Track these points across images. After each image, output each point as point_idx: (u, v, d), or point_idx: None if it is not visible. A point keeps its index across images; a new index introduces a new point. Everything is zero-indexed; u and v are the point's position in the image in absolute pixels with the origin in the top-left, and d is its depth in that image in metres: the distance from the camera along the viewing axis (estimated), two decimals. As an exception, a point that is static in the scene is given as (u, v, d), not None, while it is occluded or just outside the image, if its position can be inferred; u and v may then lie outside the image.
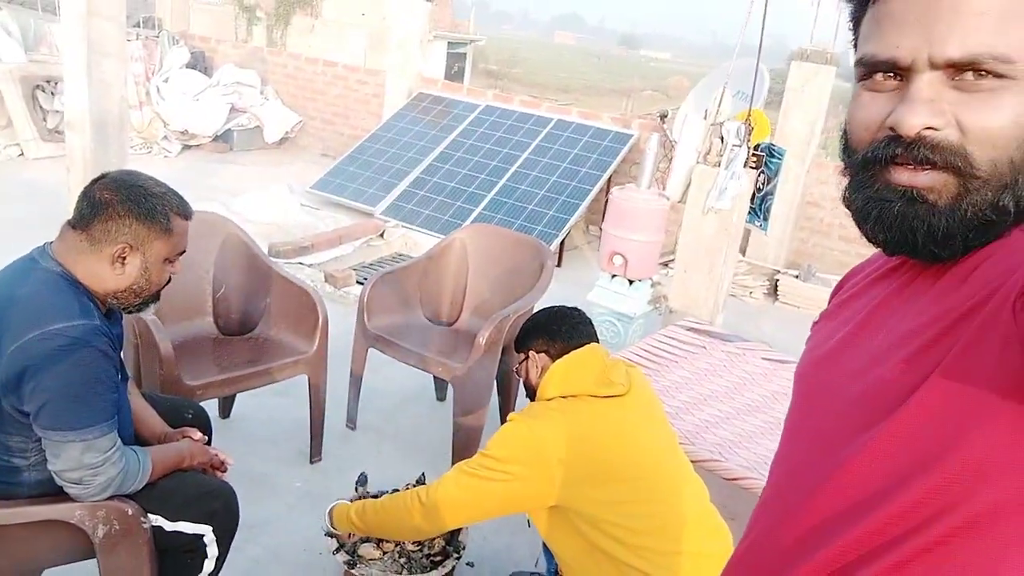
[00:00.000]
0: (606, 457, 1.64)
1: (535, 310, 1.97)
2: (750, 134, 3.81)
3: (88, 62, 4.44)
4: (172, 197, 1.66)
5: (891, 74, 0.67)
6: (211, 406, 3.01)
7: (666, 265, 5.37)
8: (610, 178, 5.95)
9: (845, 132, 0.72)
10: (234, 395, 3.04)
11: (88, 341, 1.48)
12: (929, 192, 0.65)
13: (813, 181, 6.00)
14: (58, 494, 1.54)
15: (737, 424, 2.75)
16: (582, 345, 1.79)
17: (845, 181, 0.73)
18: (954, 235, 0.65)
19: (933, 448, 0.62)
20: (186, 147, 7.72)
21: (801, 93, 5.76)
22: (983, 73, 0.62)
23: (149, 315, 1.73)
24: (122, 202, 1.58)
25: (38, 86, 6.75)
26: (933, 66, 0.63)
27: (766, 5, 3.56)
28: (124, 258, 1.59)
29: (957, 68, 0.63)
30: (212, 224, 2.93)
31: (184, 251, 1.71)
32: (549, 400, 1.73)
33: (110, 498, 1.56)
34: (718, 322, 4.06)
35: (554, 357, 1.78)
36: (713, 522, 1.80)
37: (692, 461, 2.19)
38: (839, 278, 0.92)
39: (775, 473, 0.81)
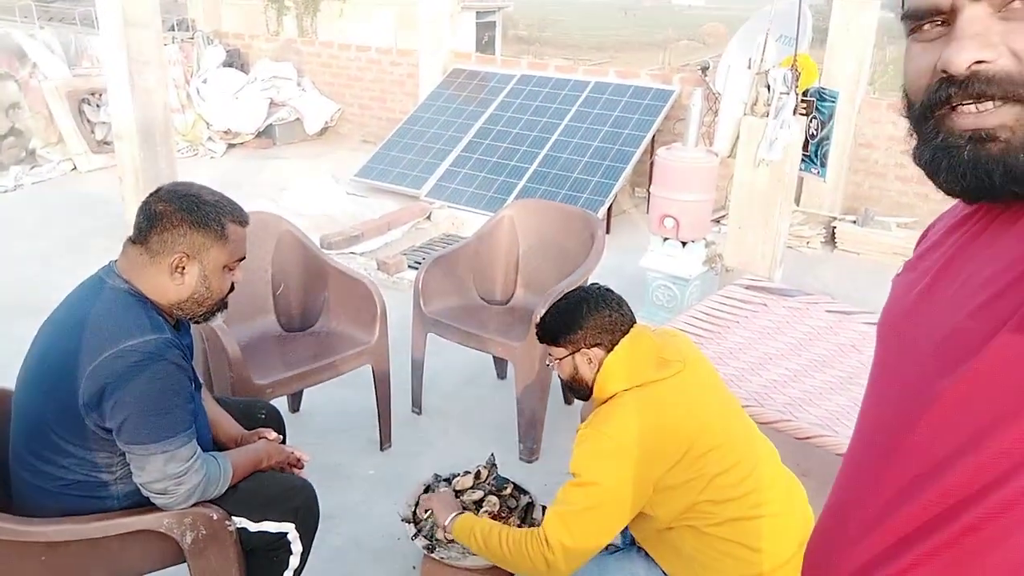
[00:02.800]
0: (688, 437, 1.60)
1: (574, 287, 1.87)
2: (797, 80, 3.69)
3: (129, 71, 4.53)
4: (226, 204, 1.68)
5: (936, 20, 0.65)
6: (281, 402, 3.09)
7: (718, 223, 5.26)
8: (654, 137, 5.84)
9: (904, 89, 0.71)
10: (302, 390, 3.11)
11: (162, 355, 1.52)
12: (1000, 130, 0.62)
13: (865, 121, 5.79)
14: (147, 505, 1.60)
15: (805, 381, 2.70)
16: (628, 329, 1.72)
17: (913, 142, 0.71)
18: None
19: (1007, 400, 0.61)
20: (231, 146, 7.84)
21: (846, 31, 5.53)
22: None
23: (217, 322, 1.76)
24: (176, 212, 1.61)
25: (84, 100, 6.92)
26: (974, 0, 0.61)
27: (804, -56, 3.42)
28: (183, 268, 1.62)
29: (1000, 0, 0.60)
30: (266, 223, 2.97)
31: (244, 257, 1.73)
32: (612, 397, 1.66)
33: (195, 505, 1.61)
34: (777, 277, 3.98)
35: (608, 349, 1.69)
36: (787, 482, 1.77)
37: (761, 423, 2.16)
38: (898, 220, 0.90)
39: (859, 430, 0.80)
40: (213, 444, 1.84)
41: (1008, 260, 0.65)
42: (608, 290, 1.80)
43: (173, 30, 8.57)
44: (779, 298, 3.30)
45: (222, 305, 1.73)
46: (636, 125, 5.90)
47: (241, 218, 1.70)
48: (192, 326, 1.80)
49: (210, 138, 7.73)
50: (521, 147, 6.10)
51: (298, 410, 3.14)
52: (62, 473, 1.58)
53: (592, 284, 1.86)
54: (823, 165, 4.25)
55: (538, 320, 1.83)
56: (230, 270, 1.70)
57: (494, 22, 16.25)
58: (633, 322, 1.75)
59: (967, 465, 0.63)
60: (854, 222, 5.43)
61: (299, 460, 1.92)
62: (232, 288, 1.73)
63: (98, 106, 6.90)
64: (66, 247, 4.86)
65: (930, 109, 0.66)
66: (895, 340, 0.78)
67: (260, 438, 1.90)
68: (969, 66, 0.62)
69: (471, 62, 7.34)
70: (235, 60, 8.52)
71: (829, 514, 0.82)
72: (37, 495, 1.60)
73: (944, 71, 0.63)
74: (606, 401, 1.68)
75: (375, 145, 6.94)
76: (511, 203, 3.44)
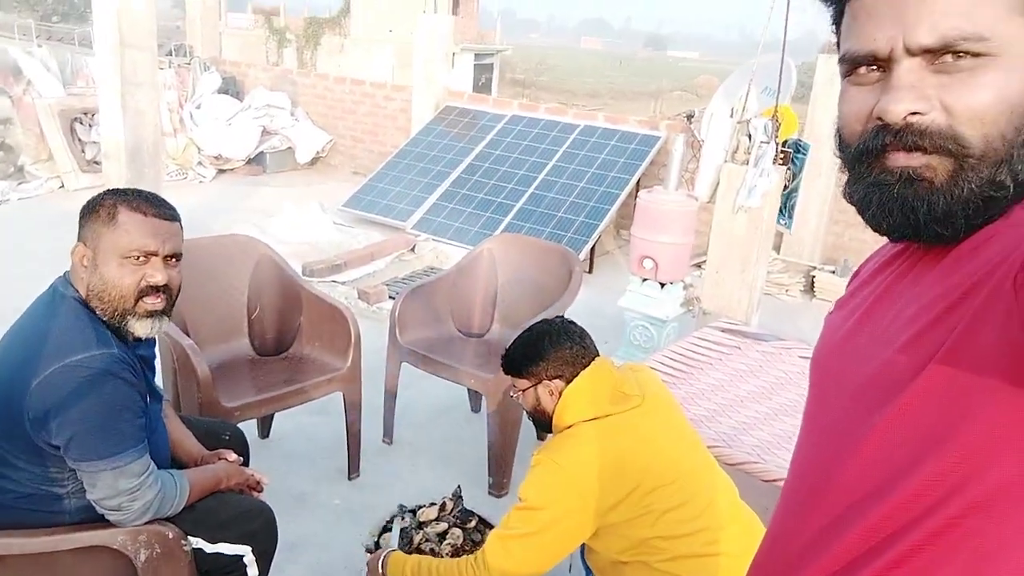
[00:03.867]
0: (640, 471, 1.60)
1: (528, 326, 1.84)
2: (778, 130, 3.77)
3: (122, 92, 4.57)
4: (132, 194, 1.61)
5: (873, 66, 0.68)
6: (250, 427, 3.06)
7: (698, 267, 5.32)
8: (639, 181, 5.92)
9: (838, 129, 0.73)
10: (272, 415, 3.09)
11: (107, 370, 1.50)
12: (926, 170, 0.65)
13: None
14: (101, 520, 1.58)
15: (775, 425, 2.71)
16: (590, 362, 1.74)
17: (844, 177, 0.74)
18: (954, 212, 0.65)
19: (939, 429, 0.62)
20: (220, 171, 7.87)
21: (830, 86, 5.67)
22: (960, 54, 0.62)
23: (140, 332, 1.60)
24: (85, 204, 1.61)
25: (76, 119, 6.95)
26: (910, 53, 0.64)
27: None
28: (83, 258, 1.58)
29: (934, 53, 0.63)
30: (244, 246, 2.98)
31: (155, 252, 1.58)
32: (569, 427, 1.67)
33: (150, 522, 1.59)
34: (753, 322, 4.01)
35: (568, 380, 1.71)
36: (747, 521, 1.77)
37: (729, 464, 2.16)
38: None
39: (793, 466, 0.82)
40: (172, 462, 1.83)
41: (931, 297, 0.67)
42: (571, 323, 1.82)
43: (171, 55, 8.67)
44: (753, 342, 3.32)
45: (145, 307, 1.58)
46: (622, 168, 5.98)
47: (143, 207, 1.59)
48: (157, 341, 1.79)
49: (200, 163, 7.77)
50: (508, 184, 6.16)
51: (267, 436, 3.11)
52: (13, 486, 1.55)
53: (556, 317, 1.88)
54: (790, 217, 4.30)
55: (504, 352, 1.85)
56: (135, 261, 1.57)
57: (492, 64, 16.51)
58: (595, 355, 1.77)
59: (900, 494, 0.64)
60: (833, 272, 5.50)
61: (258, 483, 1.90)
62: (155, 288, 1.59)
63: (90, 126, 6.93)
64: (48, 263, 4.83)
65: (864, 153, 0.69)
66: (824, 376, 0.80)
67: (220, 459, 1.88)
68: (904, 117, 0.65)
69: (464, 100, 7.44)
70: (230, 87, 8.61)
71: (766, 547, 0.83)
72: None
73: (880, 118, 0.67)
74: (563, 431, 1.69)
75: (365, 177, 7.00)
76: (492, 237, 3.47)
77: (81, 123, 6.97)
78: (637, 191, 5.48)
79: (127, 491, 1.53)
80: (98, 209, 1.58)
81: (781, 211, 3.93)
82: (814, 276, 5.52)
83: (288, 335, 2.96)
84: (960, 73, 0.63)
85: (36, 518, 1.57)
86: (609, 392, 1.68)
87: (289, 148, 8.25)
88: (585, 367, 1.72)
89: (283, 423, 3.12)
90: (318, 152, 8.43)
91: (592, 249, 5.57)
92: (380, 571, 1.88)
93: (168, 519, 1.64)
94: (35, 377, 1.47)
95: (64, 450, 1.50)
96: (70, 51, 7.64)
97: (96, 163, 6.54)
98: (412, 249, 5.68)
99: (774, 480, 2.39)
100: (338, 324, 2.79)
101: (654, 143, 6.12)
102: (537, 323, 1.84)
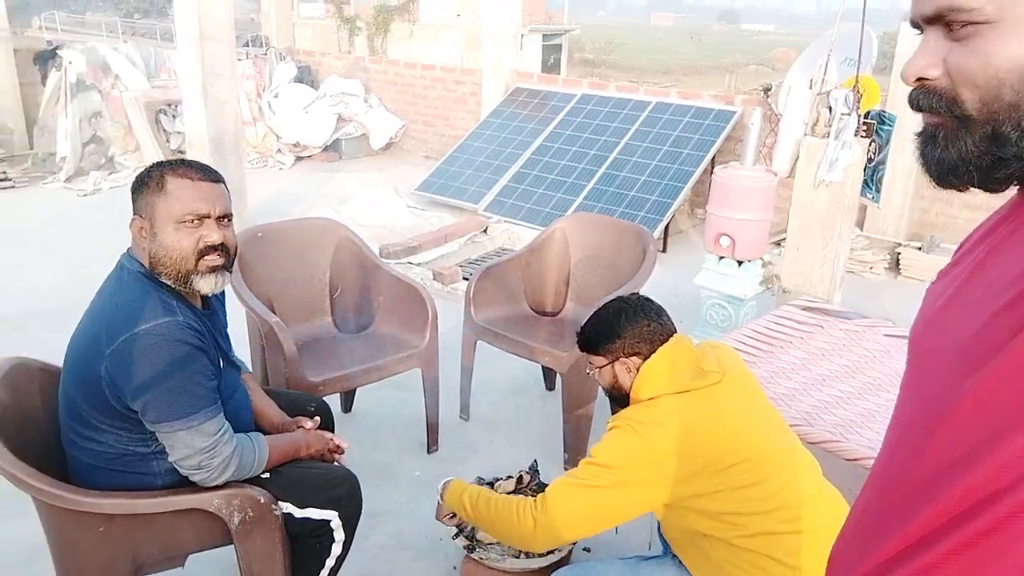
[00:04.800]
0: (715, 448, 1.59)
1: (604, 303, 1.84)
2: (859, 101, 3.64)
3: (203, 83, 4.75)
4: (176, 162, 1.69)
5: (919, 32, 0.75)
6: (333, 401, 3.16)
7: (777, 244, 5.19)
8: (714, 158, 5.81)
9: None
10: (354, 390, 3.18)
11: (174, 336, 1.58)
12: (937, 128, 0.72)
13: (934, 146, 5.64)
14: (189, 481, 1.67)
15: (859, 404, 2.64)
16: (668, 338, 1.73)
17: None
18: (959, 169, 0.71)
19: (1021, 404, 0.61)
20: (299, 158, 8.09)
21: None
22: (961, 23, 0.68)
23: (205, 288, 1.69)
24: (135, 179, 1.70)
25: (161, 110, 7.26)
26: (926, 21, 0.71)
27: (871, -36, 3.39)
28: (141, 230, 1.67)
29: (944, 23, 0.69)
30: (325, 229, 3.07)
31: (208, 214, 1.66)
32: (647, 400, 1.66)
33: (240, 487, 1.67)
34: (835, 300, 3.90)
35: (646, 357, 1.70)
36: (830, 499, 1.74)
37: (810, 443, 2.12)
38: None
39: (887, 436, 0.81)
40: (254, 428, 1.90)
41: None
42: (648, 300, 1.81)
43: (248, 46, 8.93)
44: (836, 320, 3.24)
45: (207, 265, 1.66)
46: (697, 145, 5.88)
47: (189, 173, 1.66)
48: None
49: (279, 150, 7.99)
50: (580, 165, 6.13)
51: (350, 410, 3.21)
52: (104, 448, 1.66)
53: (632, 294, 1.87)
54: (878, 190, 4.15)
55: (579, 330, 1.86)
56: (190, 225, 1.65)
57: (560, 44, 16.38)
58: (672, 332, 1.76)
59: (984, 467, 0.63)
60: (919, 248, 5.29)
61: (339, 447, 1.97)
62: (213, 247, 1.66)
63: (174, 116, 7.22)
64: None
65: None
66: (920, 345, 0.78)
67: (299, 427, 1.95)
68: (914, 81, 0.72)
69: (533, 81, 7.43)
70: (305, 76, 8.81)
71: (855, 515, 0.82)
72: (88, 471, 1.69)
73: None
74: (640, 402, 1.70)
75: (437, 161, 7.08)
76: (565, 216, 3.47)
77: (165, 114, 7.27)
78: (712, 168, 5.38)
79: (204, 449, 1.61)
80: (148, 181, 1.67)
81: (867, 184, 3.80)
82: (899, 253, 5.31)
83: (368, 314, 3.04)
84: (962, 39, 0.68)
85: (130, 479, 1.67)
86: (688, 368, 1.67)
87: (363, 134, 8.41)
88: (663, 344, 1.71)
89: (365, 398, 3.21)
90: (391, 137, 8.56)
91: (666, 228, 5.50)
92: (440, 496, 1.93)
93: (258, 485, 1.72)
94: (109, 345, 1.56)
95: (141, 414, 1.59)
96: (153, 46, 7.96)
97: (180, 152, 6.83)
98: (484, 231, 5.72)
99: (857, 459, 2.33)
100: (415, 303, 2.85)
101: (729, 118, 5.98)
102: (613, 300, 1.83)
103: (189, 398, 1.60)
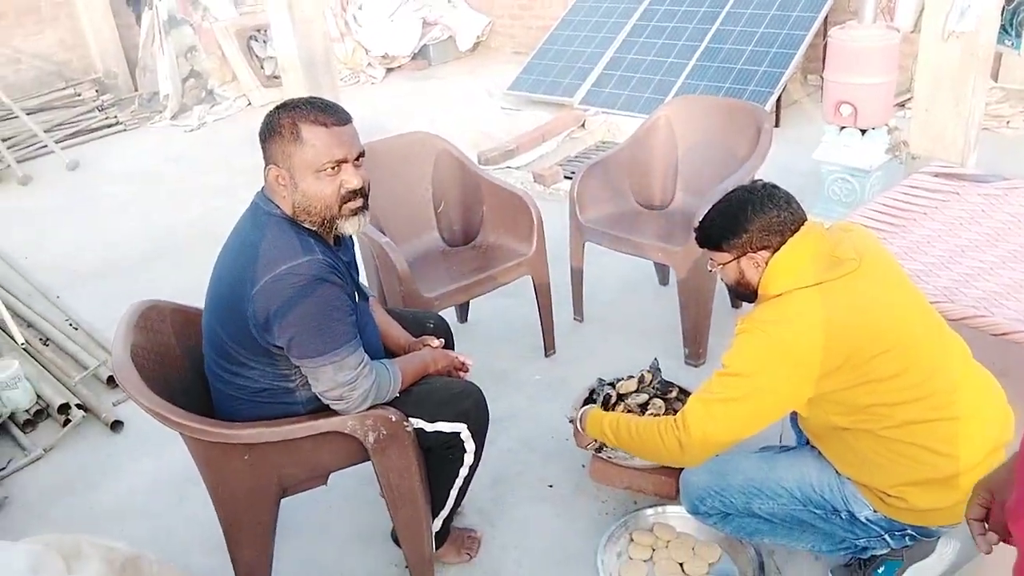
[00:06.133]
0: (855, 341, 1.50)
1: (725, 194, 1.72)
2: (996, -69, 3.20)
3: (288, 3, 4.71)
4: (305, 107, 1.65)
5: None
6: (449, 314, 3.22)
7: (902, 106, 4.77)
8: (827, 18, 5.32)
9: None
10: (468, 301, 3.22)
11: (316, 275, 1.61)
12: None
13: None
14: (329, 409, 1.74)
15: (1003, 274, 2.44)
16: (798, 228, 1.60)
17: None
18: None
19: None
20: (389, 70, 8.03)
21: None
22: None
23: (350, 231, 1.74)
24: (264, 125, 1.68)
25: (251, 37, 7.31)
26: None
27: None
28: (279, 178, 1.66)
29: None
30: (423, 143, 3.04)
31: (345, 159, 1.65)
32: (779, 296, 1.57)
33: (373, 408, 1.73)
34: (971, 163, 3.57)
35: (775, 250, 1.59)
36: (981, 382, 1.63)
37: (952, 320, 1.98)
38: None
39: None
40: (383, 352, 1.96)
41: None
42: (774, 187, 1.69)
43: (327, -40, 8.78)
44: (973, 185, 2.97)
45: (349, 209, 1.68)
46: (806, 6, 5.40)
47: (322, 118, 1.63)
48: (358, 241, 1.89)
49: (369, 64, 7.95)
50: (679, 42, 5.78)
51: (466, 320, 3.26)
52: (249, 383, 1.74)
53: (756, 181, 1.75)
54: (1018, 36, 3.69)
55: (697, 225, 1.76)
56: (330, 172, 1.64)
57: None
58: (803, 220, 1.64)
59: None
60: (1066, 94, 4.74)
61: (464, 364, 2.00)
62: (354, 192, 1.67)
63: (264, 42, 7.27)
64: (243, 179, 5.25)
65: None
66: None
67: (425, 346, 1.99)
68: None
69: (622, -44, 6.97)
70: (387, -17, 8.61)
71: None
72: (232, 403, 1.79)
73: None
74: (770, 300, 1.61)
75: (527, 56, 6.84)
76: (667, 102, 3.29)
77: (256, 40, 7.32)
78: (825, 29, 4.94)
79: (346, 383, 1.67)
80: (280, 130, 1.65)
81: (1005, 30, 3.39)
82: (1042, 102, 4.78)
83: (473, 225, 3.03)
84: None
85: (274, 409, 1.77)
86: (822, 258, 1.56)
87: (450, 37, 8.22)
88: (793, 234, 1.60)
89: (479, 308, 3.25)
90: (478, 37, 8.33)
91: (778, 101, 5.15)
92: (580, 426, 1.95)
93: (389, 404, 1.78)
94: (253, 286, 1.61)
95: (287, 349, 1.65)
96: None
97: (275, 77, 6.89)
98: (582, 125, 5.55)
99: (1003, 334, 2.17)
100: (520, 210, 2.81)
101: (841, -29, 5.44)
102: (735, 190, 1.71)
103: (332, 334, 1.64)
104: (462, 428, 1.83)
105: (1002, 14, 3.32)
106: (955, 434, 1.52)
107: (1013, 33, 3.42)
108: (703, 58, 5.54)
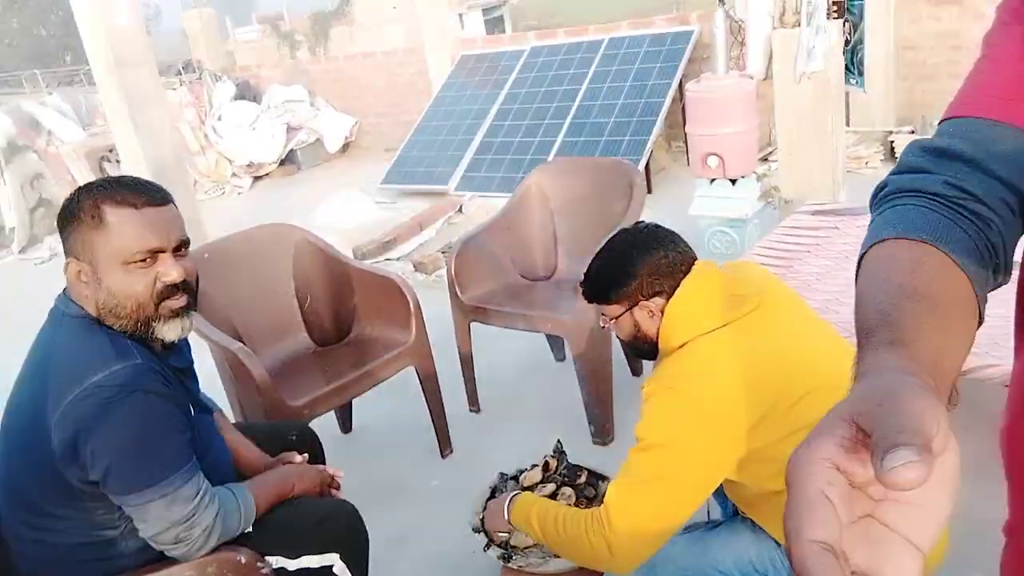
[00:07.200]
0: (778, 382, 1.29)
1: (607, 241, 1.54)
2: (827, -21, 3.33)
3: (130, 113, 4.41)
4: (110, 186, 1.37)
5: None
6: (330, 424, 2.89)
7: (766, 160, 4.89)
8: (681, 83, 5.49)
9: None
10: (350, 407, 2.90)
11: (134, 384, 1.29)
12: None
13: (903, 22, 5.32)
14: (163, 557, 1.38)
15: (901, 302, 2.36)
16: (690, 268, 1.43)
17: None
18: None
19: None
20: (256, 179, 7.75)
21: (870, -73, 5.10)
22: None
23: (170, 336, 1.40)
24: (60, 211, 1.38)
25: (103, 157, 6.92)
26: None
27: None
28: (80, 275, 1.35)
29: None
30: (279, 236, 2.77)
31: (161, 248, 1.37)
32: (681, 347, 1.37)
33: (219, 549, 1.38)
34: (842, 199, 3.62)
35: (669, 294, 1.41)
36: None
37: (863, 355, 1.84)
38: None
39: None
40: (236, 477, 1.62)
41: None
42: (657, 226, 1.51)
43: (180, 74, 8.56)
44: (851, 218, 2.95)
45: (169, 309, 1.38)
46: (660, 74, 5.56)
47: (131, 198, 1.34)
48: (187, 347, 1.57)
49: (234, 174, 7.66)
50: (544, 121, 5.81)
51: (350, 430, 2.93)
52: (58, 538, 1.37)
53: (639, 223, 1.57)
54: (860, 74, 3.85)
55: (583, 278, 1.56)
56: (141, 264, 1.35)
57: (502, 16, 16.00)
58: (693, 259, 1.46)
59: None
60: (912, 132, 5.00)
61: (333, 478, 1.68)
62: (173, 288, 1.38)
63: (118, 162, 6.87)
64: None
65: None
66: None
67: (286, 463, 1.67)
68: None
69: (478, 45, 7.10)
70: (246, 92, 8.45)
71: None
72: (41, 560, 1.40)
73: None
74: (673, 352, 1.40)
75: (398, 151, 6.75)
76: (536, 168, 3.16)
77: (109, 160, 6.93)
78: (681, 94, 5.06)
79: (181, 520, 1.33)
80: (79, 213, 1.35)
81: (849, 69, 3.49)
82: (892, 141, 5.02)
83: (346, 319, 2.74)
84: None
85: (93, 568, 1.39)
86: (721, 298, 1.37)
87: (317, 139, 8.07)
88: (685, 275, 1.41)
89: (364, 414, 2.93)
90: (346, 137, 8.22)
91: (647, 168, 5.19)
92: (505, 514, 1.63)
93: (238, 540, 1.44)
94: (55, 410, 1.27)
95: (103, 485, 1.30)
96: (81, 92, 7.60)
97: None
98: (460, 210, 5.42)
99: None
100: (394, 296, 2.55)
101: (688, 38, 5.66)
102: (617, 235, 1.52)
103: (159, 460, 1.32)
104: (334, 560, 1.49)
105: (843, 53, 3.42)
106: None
107: (856, 72, 3.54)
108: (569, 133, 5.58)
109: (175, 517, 1.32)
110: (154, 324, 1.39)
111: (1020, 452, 0.70)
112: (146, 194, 1.38)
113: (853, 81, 3.59)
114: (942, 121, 0.69)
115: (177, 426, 1.37)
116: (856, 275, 0.63)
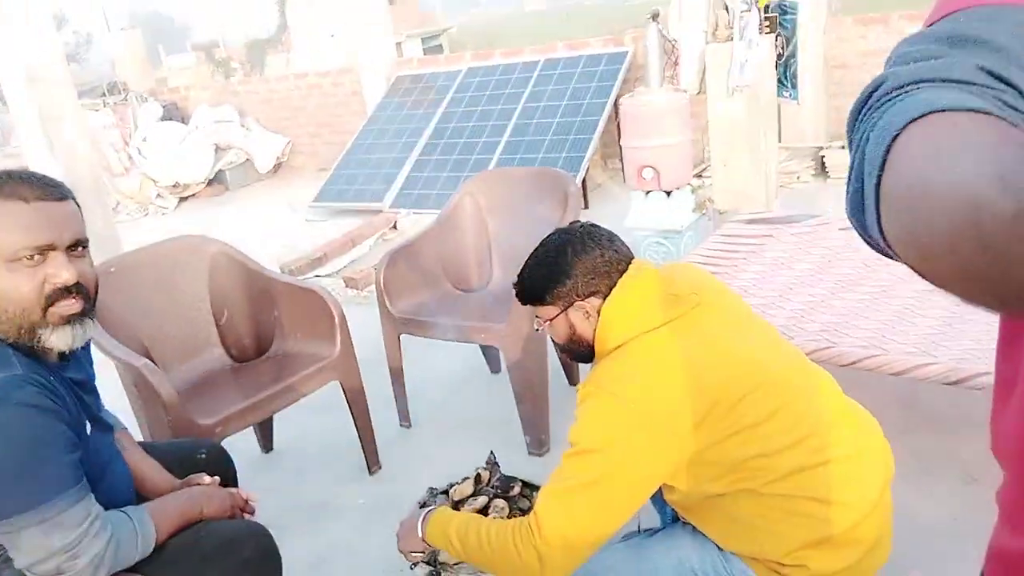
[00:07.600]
0: (718, 383, 1.22)
1: (542, 240, 1.46)
2: (756, -6, 3.36)
3: (45, 131, 4.17)
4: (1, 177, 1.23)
5: None
6: (251, 444, 2.72)
7: (700, 176, 4.92)
8: (616, 101, 5.51)
9: None
10: (271, 425, 2.74)
11: (10, 398, 1.14)
12: None
13: (832, 41, 5.46)
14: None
15: (836, 304, 2.34)
16: (626, 267, 1.38)
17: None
18: None
19: None
20: (182, 199, 7.48)
21: (795, -48, 5.23)
22: None
23: (59, 345, 1.24)
24: None
25: (18, 178, 6.57)
26: None
27: None
28: None
29: None
30: (193, 248, 2.61)
31: (51, 245, 1.22)
32: (618, 348, 1.31)
33: (107, 578, 1.23)
34: (775, 209, 3.63)
35: (605, 295, 1.35)
36: (856, 416, 1.40)
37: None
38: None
39: None
40: (139, 500, 1.46)
41: None
42: (594, 226, 1.45)
43: (104, 96, 8.25)
44: (785, 226, 2.95)
45: (58, 315, 1.24)
46: (596, 93, 5.57)
47: (21, 191, 1.21)
48: (88, 361, 1.42)
49: (159, 195, 7.37)
50: (480, 139, 5.76)
51: (271, 449, 2.76)
52: None
53: (574, 223, 1.50)
54: (795, 87, 3.91)
55: (516, 278, 1.47)
56: (28, 262, 1.21)
57: (440, 45, 16.09)
58: (631, 258, 1.40)
59: None
60: (843, 148, 5.09)
61: (246, 502, 1.54)
62: (65, 291, 1.24)
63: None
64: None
65: None
66: None
67: (195, 484, 1.51)
68: None
69: (414, 66, 7.03)
70: (173, 114, 8.19)
71: None
72: None
73: None
74: (610, 354, 1.32)
75: (332, 170, 6.60)
76: (469, 179, 3.07)
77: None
78: (616, 113, 5.07)
79: (64, 549, 1.17)
80: None
81: (782, 83, 3.53)
82: (823, 156, 5.12)
83: (266, 334, 2.59)
84: None
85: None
86: (658, 297, 1.31)
87: (247, 160, 7.85)
88: (622, 274, 1.35)
89: (286, 431, 2.77)
90: (278, 157, 8.01)
91: (584, 184, 5.17)
92: (420, 533, 1.50)
93: (135, 569, 1.28)
94: None
95: None
96: (-6, 111, 7.24)
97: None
98: (394, 226, 5.29)
99: (852, 363, 2.02)
100: (317, 309, 2.42)
101: (623, 59, 5.69)
102: (552, 234, 1.44)
103: (39, 481, 1.17)
104: (243, 585, 1.35)
105: (776, 67, 3.46)
106: (845, 477, 1.26)
107: (789, 84, 3.58)
108: (506, 152, 5.53)
109: (56, 546, 1.16)
110: (40, 331, 1.23)
111: None
112: (40, 188, 1.23)
113: (787, 94, 3.63)
114: (933, 23, 0.52)
115: (62, 445, 1.21)
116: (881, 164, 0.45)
